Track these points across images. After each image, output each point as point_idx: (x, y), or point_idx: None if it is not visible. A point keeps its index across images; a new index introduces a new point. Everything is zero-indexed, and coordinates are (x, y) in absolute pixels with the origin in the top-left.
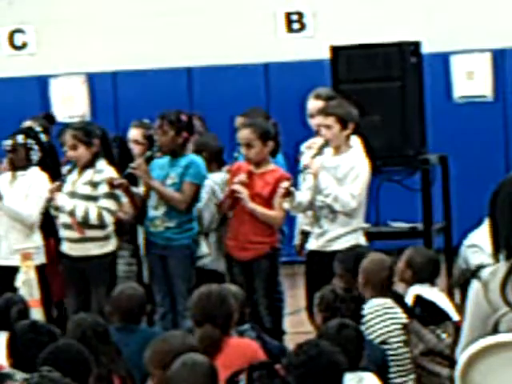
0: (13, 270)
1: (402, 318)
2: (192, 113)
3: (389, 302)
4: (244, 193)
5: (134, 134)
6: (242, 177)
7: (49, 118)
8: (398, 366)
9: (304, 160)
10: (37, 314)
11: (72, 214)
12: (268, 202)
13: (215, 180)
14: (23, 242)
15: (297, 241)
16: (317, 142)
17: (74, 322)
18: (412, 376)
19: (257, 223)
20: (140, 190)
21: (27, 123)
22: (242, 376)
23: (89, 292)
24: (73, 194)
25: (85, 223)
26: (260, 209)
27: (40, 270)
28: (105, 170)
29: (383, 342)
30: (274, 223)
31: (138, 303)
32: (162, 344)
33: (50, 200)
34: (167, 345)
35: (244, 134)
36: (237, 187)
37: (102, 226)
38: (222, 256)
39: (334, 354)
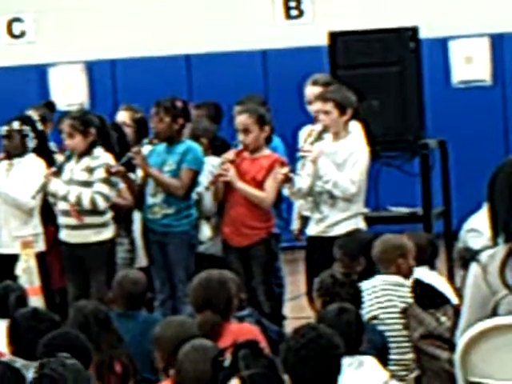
0: (13, 258)
1: (405, 297)
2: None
3: (395, 279)
4: (231, 171)
5: (122, 116)
6: (230, 154)
7: (49, 106)
8: (392, 342)
9: (302, 148)
10: (37, 301)
11: (65, 199)
12: (262, 187)
13: (213, 164)
14: (23, 229)
15: (295, 225)
16: (316, 128)
17: (75, 309)
18: (409, 356)
19: (252, 207)
20: (138, 176)
21: (28, 113)
22: (227, 355)
23: (88, 279)
24: (70, 181)
25: (80, 209)
26: (248, 188)
27: (40, 257)
28: (101, 156)
29: (374, 318)
30: (263, 204)
31: (141, 288)
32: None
33: (44, 185)
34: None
35: (241, 119)
36: (224, 167)
37: (95, 210)
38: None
39: (332, 337)
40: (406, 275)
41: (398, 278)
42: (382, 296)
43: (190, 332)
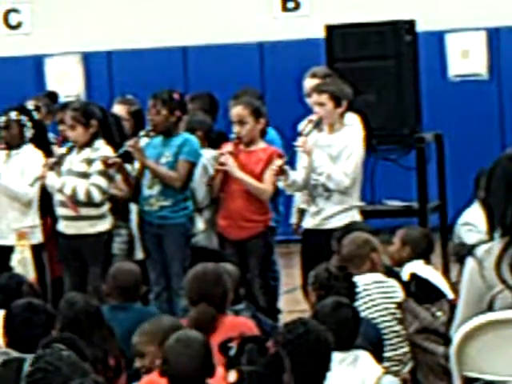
0: (9, 250)
1: (389, 292)
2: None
3: (376, 276)
4: (230, 161)
5: (118, 110)
6: (229, 147)
7: (51, 97)
8: (385, 340)
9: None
10: None
11: (61, 191)
12: (261, 179)
13: (206, 156)
14: (21, 220)
15: (294, 219)
16: (313, 118)
17: (65, 302)
18: (401, 351)
19: (250, 200)
20: (135, 168)
21: (29, 103)
22: (234, 344)
23: (85, 270)
24: (69, 172)
25: (76, 201)
26: (248, 179)
27: (36, 249)
28: (101, 148)
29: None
30: (262, 196)
31: (135, 280)
32: (152, 324)
33: (40, 178)
34: (157, 324)
35: (236, 110)
36: (223, 158)
37: (90, 203)
38: (215, 233)
39: (321, 332)
40: (381, 270)
41: (376, 276)
42: (361, 298)
43: (174, 326)
